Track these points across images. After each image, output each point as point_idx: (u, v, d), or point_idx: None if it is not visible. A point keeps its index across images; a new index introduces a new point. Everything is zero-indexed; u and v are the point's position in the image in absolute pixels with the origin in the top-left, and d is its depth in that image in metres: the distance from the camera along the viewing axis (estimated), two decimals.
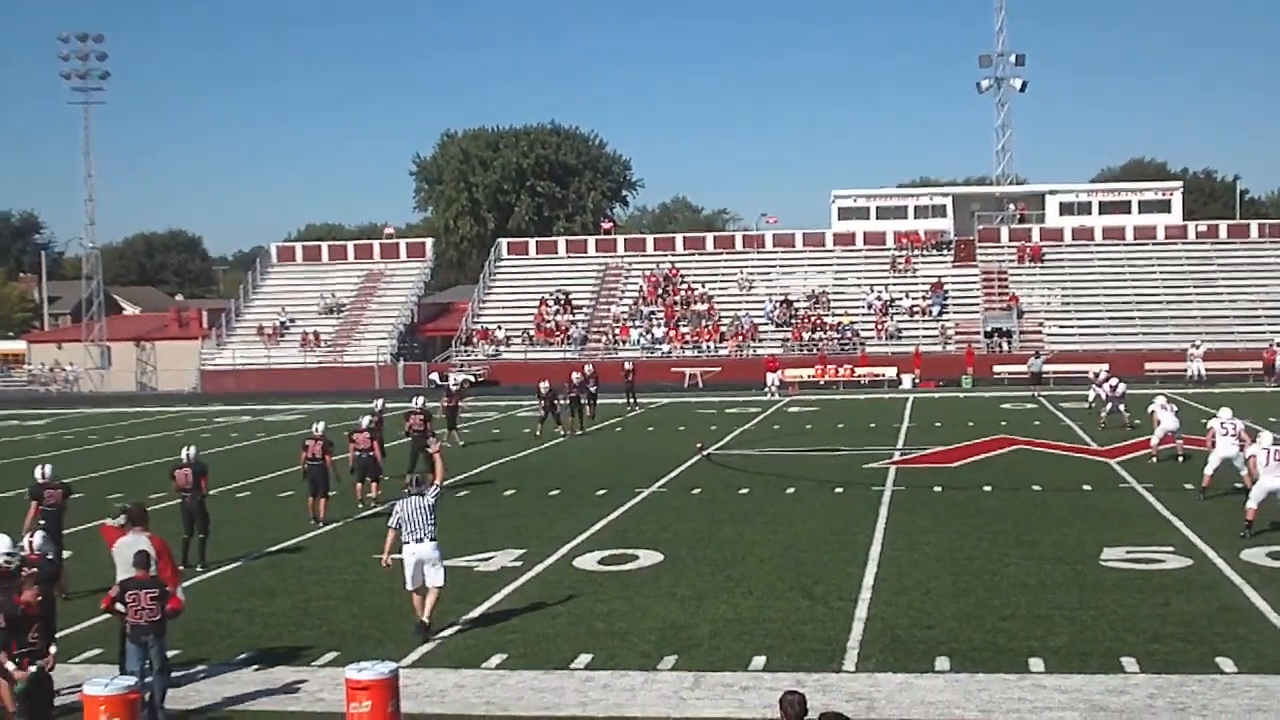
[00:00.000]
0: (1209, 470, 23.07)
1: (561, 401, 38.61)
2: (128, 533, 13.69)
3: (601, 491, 26.02)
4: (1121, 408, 36.00)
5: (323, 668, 13.72)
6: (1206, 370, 56.49)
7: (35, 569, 12.48)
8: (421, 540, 14.70)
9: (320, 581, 18.15)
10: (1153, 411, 28.74)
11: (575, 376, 41.21)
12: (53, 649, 11.58)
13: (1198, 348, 58.04)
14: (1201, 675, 12.64)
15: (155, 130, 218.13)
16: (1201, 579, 16.79)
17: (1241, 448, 22.23)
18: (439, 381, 65.76)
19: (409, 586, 14.79)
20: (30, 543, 13.50)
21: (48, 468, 19.14)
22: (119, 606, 12.11)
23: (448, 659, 13.98)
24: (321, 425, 23.93)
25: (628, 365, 51.04)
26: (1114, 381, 37.20)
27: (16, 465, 33.87)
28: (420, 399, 30.59)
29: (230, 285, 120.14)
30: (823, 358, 61.82)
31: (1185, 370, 56.82)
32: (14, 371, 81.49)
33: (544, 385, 38.36)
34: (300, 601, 16.89)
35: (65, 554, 17.96)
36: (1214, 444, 23.26)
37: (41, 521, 17.58)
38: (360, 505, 24.52)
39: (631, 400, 48.54)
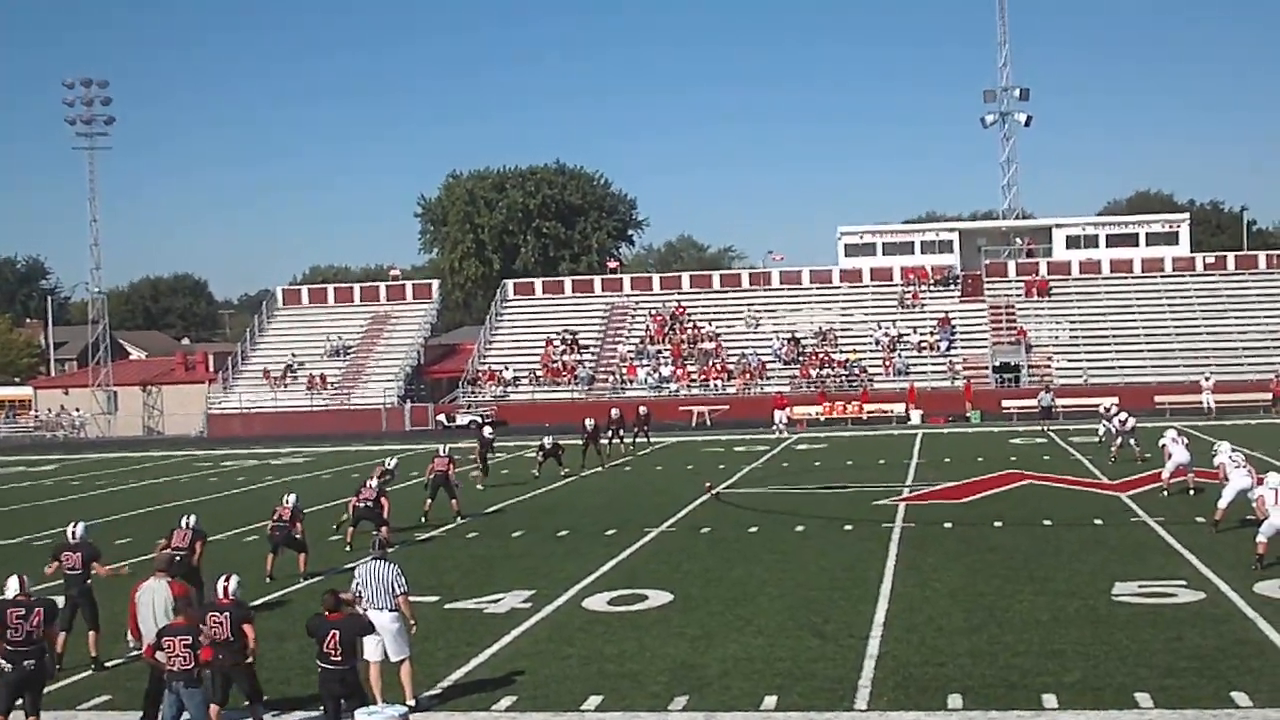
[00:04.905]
0: (1223, 504, 22.89)
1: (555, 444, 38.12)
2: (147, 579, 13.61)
3: (610, 531, 25.89)
4: (1132, 441, 35.90)
5: None
6: (1216, 402, 56.40)
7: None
8: (382, 610, 13.55)
9: None
10: (1164, 444, 28.66)
11: (588, 422, 41.05)
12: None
13: (1208, 380, 58.00)
14: (1216, 710, 12.50)
15: (160, 174, 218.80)
16: (1215, 612, 16.66)
17: (1253, 479, 22.16)
18: (445, 423, 65.81)
19: (368, 656, 13.38)
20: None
21: (79, 527, 17.17)
22: (159, 655, 12.02)
23: (457, 702, 13.87)
24: (293, 497, 22.52)
25: (643, 410, 50.14)
26: (1124, 415, 37.09)
27: (24, 512, 33.86)
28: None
29: (236, 328, 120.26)
30: (822, 394, 61.63)
31: (1201, 403, 56.73)
32: (20, 417, 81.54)
33: (547, 440, 37.83)
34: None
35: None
36: (1226, 478, 23.16)
37: (60, 581, 16.75)
38: (349, 549, 24.16)
39: (637, 439, 47.61)
